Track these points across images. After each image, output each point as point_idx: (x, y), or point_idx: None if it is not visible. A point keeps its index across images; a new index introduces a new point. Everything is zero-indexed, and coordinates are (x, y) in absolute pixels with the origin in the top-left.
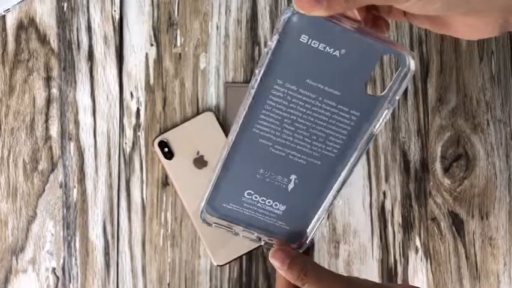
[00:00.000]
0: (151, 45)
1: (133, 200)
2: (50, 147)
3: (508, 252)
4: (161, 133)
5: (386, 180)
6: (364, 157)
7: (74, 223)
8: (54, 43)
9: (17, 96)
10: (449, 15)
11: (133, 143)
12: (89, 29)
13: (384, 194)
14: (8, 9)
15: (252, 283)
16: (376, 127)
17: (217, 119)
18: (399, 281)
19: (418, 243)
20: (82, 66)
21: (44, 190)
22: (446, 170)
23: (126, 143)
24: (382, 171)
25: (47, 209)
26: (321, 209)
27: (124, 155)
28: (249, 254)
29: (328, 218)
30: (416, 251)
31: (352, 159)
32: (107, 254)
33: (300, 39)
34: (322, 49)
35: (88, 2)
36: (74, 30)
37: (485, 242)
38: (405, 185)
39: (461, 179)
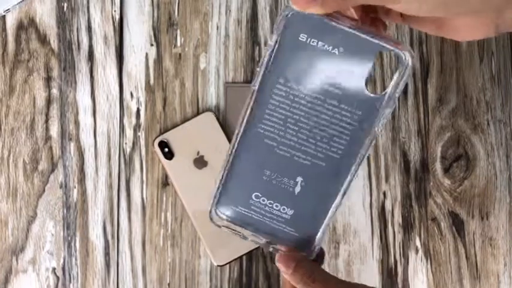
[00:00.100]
0: (152, 45)
1: (134, 200)
2: (50, 148)
3: (508, 253)
4: (161, 133)
5: (387, 180)
6: None
7: (74, 223)
8: (54, 43)
9: (17, 96)
10: (442, 16)
11: (134, 143)
12: (89, 29)
13: (384, 194)
14: (8, 9)
15: (252, 283)
16: (379, 126)
17: (217, 119)
18: (399, 281)
19: (418, 243)
20: (82, 66)
21: (44, 190)
22: (446, 170)
23: (126, 143)
24: (382, 172)
25: (47, 209)
26: (329, 215)
27: (124, 155)
28: (249, 254)
29: None
30: (417, 251)
31: (356, 160)
32: (107, 254)
33: (299, 38)
34: (321, 47)
35: (88, 2)
36: (74, 30)
37: (485, 242)
38: (405, 185)
39: (462, 179)
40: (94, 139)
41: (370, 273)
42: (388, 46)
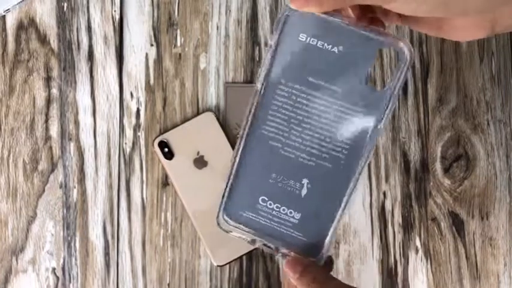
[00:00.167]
0: (152, 45)
1: (134, 200)
2: (50, 148)
3: (508, 253)
4: (161, 133)
5: (387, 180)
6: None
7: (74, 223)
8: (54, 43)
9: (17, 96)
10: (441, 16)
11: (134, 143)
12: (89, 29)
13: (384, 194)
14: (8, 9)
15: (252, 283)
16: (381, 123)
17: (218, 119)
18: (399, 281)
19: (418, 243)
20: (82, 66)
21: (44, 190)
22: (446, 170)
23: (126, 143)
24: (382, 172)
25: (47, 209)
26: (336, 218)
27: (124, 155)
28: (249, 254)
29: None
30: (417, 251)
31: (361, 160)
32: (107, 254)
33: (299, 38)
34: (321, 46)
35: (88, 2)
36: (74, 30)
37: (485, 242)
38: (405, 185)
39: (462, 179)
40: (94, 139)
41: (370, 273)
42: (386, 41)
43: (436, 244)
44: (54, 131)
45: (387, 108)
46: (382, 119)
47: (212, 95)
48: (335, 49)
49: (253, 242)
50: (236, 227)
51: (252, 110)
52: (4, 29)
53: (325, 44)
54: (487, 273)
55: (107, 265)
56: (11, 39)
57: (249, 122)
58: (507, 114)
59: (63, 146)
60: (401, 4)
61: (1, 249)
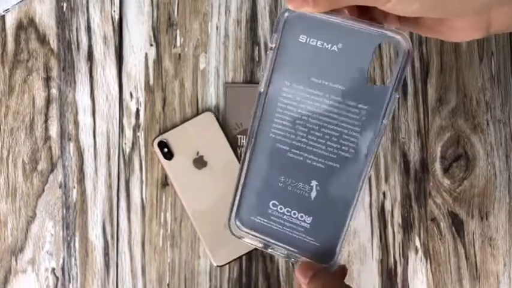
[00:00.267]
0: (151, 45)
1: (133, 201)
2: (50, 148)
3: (507, 253)
4: (161, 133)
5: (386, 180)
6: None
7: (74, 223)
8: (53, 43)
9: (16, 96)
10: (438, 17)
11: (133, 143)
12: (89, 29)
13: (384, 194)
14: (8, 9)
15: (252, 283)
16: (385, 118)
17: (217, 119)
18: (399, 281)
19: (417, 243)
20: (81, 66)
21: (43, 190)
22: (446, 170)
23: (125, 144)
24: (382, 172)
25: (46, 209)
26: (348, 220)
27: (123, 156)
28: (249, 255)
29: None
30: (416, 251)
31: (368, 158)
32: (106, 254)
33: (299, 40)
34: (321, 46)
35: (87, 2)
36: (73, 30)
37: (485, 243)
38: (405, 186)
39: (461, 180)
40: (93, 139)
41: (369, 273)
42: (384, 35)
43: (436, 244)
44: (53, 131)
45: (389, 102)
46: (385, 114)
47: (212, 95)
48: (334, 48)
49: (265, 247)
50: (248, 233)
51: (258, 114)
52: (3, 29)
53: (325, 44)
54: (487, 273)
55: (107, 265)
56: (10, 39)
57: (255, 126)
58: (507, 114)
59: (62, 146)
60: (395, 4)
61: (0, 250)
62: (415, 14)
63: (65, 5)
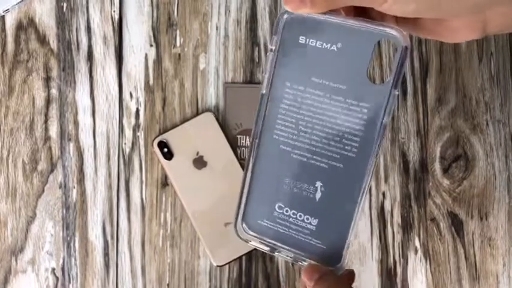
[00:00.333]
0: (151, 45)
1: (133, 201)
2: (50, 148)
3: (507, 253)
4: (161, 133)
5: (386, 180)
6: None
7: (74, 223)
8: (53, 43)
9: (16, 96)
10: (429, 17)
11: (133, 144)
12: (89, 29)
13: (384, 194)
14: (8, 9)
15: (252, 283)
16: (386, 115)
17: (217, 119)
18: (398, 281)
19: (417, 243)
20: (81, 66)
21: (43, 190)
22: (445, 170)
23: (125, 144)
24: (382, 172)
25: (46, 209)
26: (353, 221)
27: (123, 156)
28: (249, 255)
29: None
30: (416, 251)
31: (371, 156)
32: (106, 254)
33: (299, 41)
34: (320, 46)
35: (87, 2)
36: (73, 30)
37: (484, 243)
38: (404, 186)
39: (461, 180)
40: (93, 139)
41: (369, 273)
42: (381, 31)
43: (435, 244)
44: (53, 131)
45: (389, 99)
46: (386, 111)
47: (211, 95)
48: (334, 47)
49: (272, 251)
50: (255, 237)
51: (261, 116)
52: (3, 29)
53: (324, 44)
54: (486, 273)
55: (107, 265)
56: (10, 39)
57: (258, 128)
58: (506, 115)
59: (62, 146)
60: (392, 5)
61: (0, 250)
62: (411, 15)
63: (64, 5)
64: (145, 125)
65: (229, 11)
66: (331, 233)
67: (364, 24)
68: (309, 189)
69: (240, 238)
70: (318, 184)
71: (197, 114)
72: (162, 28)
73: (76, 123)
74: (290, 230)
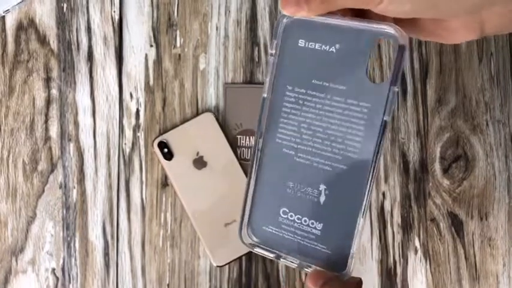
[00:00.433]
0: (151, 46)
1: (133, 201)
2: (50, 148)
3: (507, 253)
4: (161, 134)
5: (386, 181)
6: None
7: (74, 224)
8: (53, 44)
9: (16, 97)
10: (425, 17)
11: (133, 144)
12: (89, 29)
13: (383, 194)
14: (8, 10)
15: (252, 284)
16: (387, 114)
17: (217, 119)
18: (398, 282)
19: (417, 243)
20: (82, 67)
21: (43, 191)
22: (445, 170)
23: (125, 144)
24: (382, 172)
25: (46, 209)
26: (358, 222)
27: (124, 156)
28: (249, 255)
29: None
30: (416, 251)
31: (374, 157)
32: (106, 254)
33: (299, 44)
34: (319, 48)
35: (87, 3)
36: (73, 31)
37: (484, 243)
38: (404, 186)
39: (461, 180)
40: (93, 140)
41: (369, 273)
42: (379, 29)
43: (435, 244)
44: (53, 131)
45: (389, 97)
46: (386, 109)
47: (211, 95)
48: (333, 49)
49: (277, 257)
50: (260, 244)
51: (263, 120)
52: (4, 30)
53: (323, 46)
54: (486, 273)
55: (107, 265)
56: (10, 39)
57: (262, 133)
58: (506, 115)
59: (62, 147)
60: (387, 6)
61: (1, 250)
62: (408, 15)
63: (65, 5)
64: (146, 125)
65: (229, 11)
66: (336, 238)
67: (361, 23)
68: (313, 192)
69: (245, 245)
70: (322, 187)
71: (197, 114)
72: (162, 28)
73: (76, 123)
74: (295, 236)
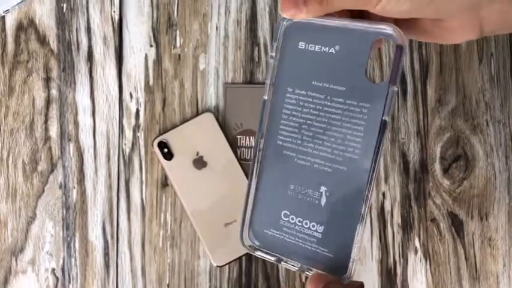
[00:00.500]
0: (151, 46)
1: (133, 201)
2: (50, 148)
3: (507, 253)
4: (161, 134)
5: (386, 181)
6: None
7: (74, 224)
8: (53, 44)
9: (16, 97)
10: (423, 16)
11: (133, 144)
12: (89, 29)
13: (384, 194)
14: (8, 10)
15: (252, 284)
16: (386, 114)
17: (217, 119)
18: (398, 282)
19: (417, 243)
20: (81, 67)
21: (43, 191)
22: (445, 170)
23: (125, 144)
24: (382, 172)
25: (46, 209)
26: (359, 223)
27: (123, 156)
28: (249, 255)
29: None
30: (416, 251)
31: (374, 157)
32: (106, 254)
33: (299, 46)
34: (319, 50)
35: (87, 3)
36: (73, 31)
37: (484, 243)
38: (405, 186)
39: (461, 180)
40: (93, 140)
41: (369, 273)
42: (377, 28)
43: (436, 245)
44: (53, 131)
45: (387, 96)
46: (385, 109)
47: (211, 95)
48: (332, 50)
49: (278, 261)
50: (262, 247)
51: (264, 122)
52: (3, 30)
53: (323, 47)
54: (486, 273)
55: (107, 265)
56: (10, 39)
57: (263, 135)
58: (506, 115)
59: (62, 147)
60: (386, 5)
61: (1, 250)
62: (406, 15)
63: (64, 5)
64: (146, 126)
65: (229, 11)
66: (337, 241)
67: (360, 24)
68: (314, 194)
69: (247, 248)
70: (323, 189)
71: (197, 114)
72: (162, 28)
73: (76, 123)
74: (296, 239)
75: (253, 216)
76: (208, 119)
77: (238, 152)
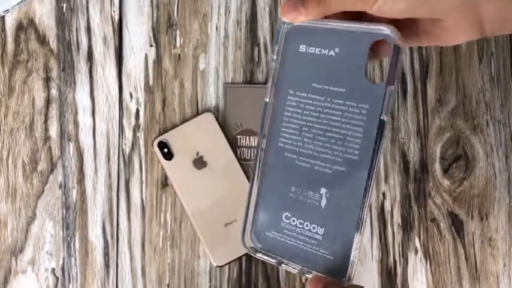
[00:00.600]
0: (151, 46)
1: (133, 201)
2: (50, 148)
3: (507, 253)
4: (160, 134)
5: (386, 181)
6: None
7: (74, 224)
8: (53, 44)
9: (16, 96)
10: (420, 16)
11: (133, 144)
12: (88, 29)
13: (384, 194)
14: (8, 9)
15: (252, 284)
16: (384, 114)
17: (217, 119)
18: (398, 282)
19: (417, 243)
20: (81, 66)
21: (43, 191)
22: (445, 170)
23: (125, 144)
24: (382, 172)
25: (46, 209)
26: (360, 224)
27: (123, 156)
28: (249, 255)
29: None
30: (416, 251)
31: (373, 158)
32: (106, 254)
33: (300, 49)
34: (319, 52)
35: (87, 3)
36: (73, 30)
37: (484, 243)
38: (405, 186)
39: (461, 180)
40: (93, 139)
41: (369, 273)
42: (375, 29)
43: (436, 245)
44: (53, 131)
45: (385, 97)
46: (383, 109)
47: (211, 95)
48: (332, 52)
49: (279, 263)
50: (263, 249)
51: (266, 125)
52: (3, 30)
53: (323, 50)
54: (487, 273)
55: (107, 265)
56: (10, 39)
57: (265, 137)
58: (506, 115)
59: (62, 147)
60: (382, 5)
61: (0, 250)
62: (402, 14)
63: (64, 5)
64: (145, 126)
65: (229, 11)
66: (337, 242)
67: (358, 26)
68: (314, 196)
69: (248, 250)
70: (323, 191)
71: (197, 114)
72: (162, 28)
73: (76, 123)
74: (297, 241)
75: (255, 218)
76: (208, 119)
77: (238, 152)
